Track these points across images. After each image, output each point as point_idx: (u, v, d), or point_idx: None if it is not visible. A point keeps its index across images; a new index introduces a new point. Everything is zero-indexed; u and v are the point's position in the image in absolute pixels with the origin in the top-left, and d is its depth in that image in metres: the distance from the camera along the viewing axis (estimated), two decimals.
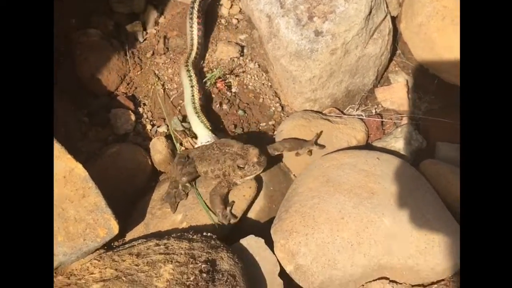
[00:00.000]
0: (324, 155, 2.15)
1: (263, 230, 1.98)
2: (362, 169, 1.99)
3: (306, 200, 1.92)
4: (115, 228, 1.84)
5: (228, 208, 1.96)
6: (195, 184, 2.09)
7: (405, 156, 2.21)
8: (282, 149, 2.12)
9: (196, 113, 2.25)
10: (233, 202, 1.99)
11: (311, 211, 1.88)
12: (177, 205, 2.02)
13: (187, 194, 2.05)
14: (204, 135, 2.18)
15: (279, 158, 2.21)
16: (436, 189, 2.00)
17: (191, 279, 1.61)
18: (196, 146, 2.18)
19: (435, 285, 1.89)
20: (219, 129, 2.32)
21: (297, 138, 2.19)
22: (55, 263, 1.77)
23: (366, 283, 1.89)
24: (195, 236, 1.81)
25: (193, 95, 2.29)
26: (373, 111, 2.46)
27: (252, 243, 1.87)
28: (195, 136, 2.26)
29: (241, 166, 1.91)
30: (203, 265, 1.65)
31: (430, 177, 2.04)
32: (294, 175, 2.24)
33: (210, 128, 2.20)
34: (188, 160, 2.07)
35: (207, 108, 2.36)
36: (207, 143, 2.12)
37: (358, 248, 1.81)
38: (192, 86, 2.31)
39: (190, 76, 2.34)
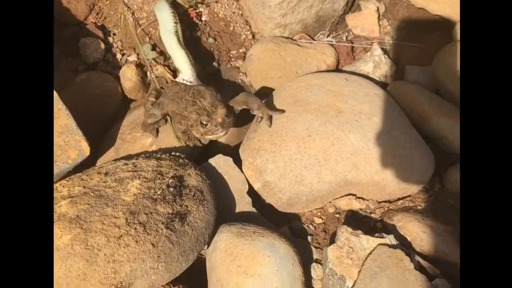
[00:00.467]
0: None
1: (233, 153, 1.99)
2: (330, 89, 2.00)
3: (274, 119, 1.93)
4: (86, 149, 1.84)
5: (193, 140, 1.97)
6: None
7: (374, 79, 2.22)
8: (242, 104, 2.00)
9: (183, 49, 2.21)
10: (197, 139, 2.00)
11: (279, 130, 1.89)
12: (157, 130, 2.02)
13: (166, 120, 2.04)
14: (187, 72, 2.14)
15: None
16: (402, 108, 2.02)
17: (158, 193, 1.62)
18: (177, 79, 2.14)
19: (401, 201, 1.92)
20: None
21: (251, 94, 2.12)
22: None
23: (334, 199, 1.91)
24: (163, 156, 1.81)
25: (177, 31, 2.25)
26: (344, 37, 2.46)
27: (220, 162, 1.89)
28: (177, 71, 2.22)
29: (203, 123, 1.85)
30: (170, 180, 1.66)
31: (397, 97, 2.06)
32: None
33: (193, 64, 2.16)
34: (159, 100, 2.05)
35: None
36: (188, 83, 2.09)
37: (325, 164, 1.83)
38: (175, 23, 2.27)
39: (173, 13, 2.28)
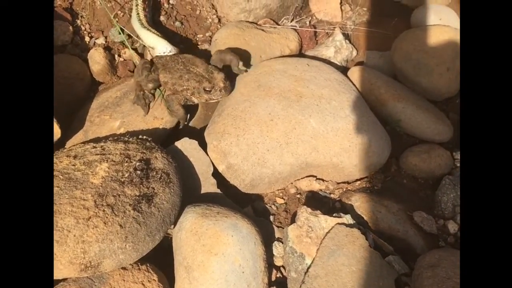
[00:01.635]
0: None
1: (199, 136, 2.04)
2: (292, 74, 2.06)
3: (238, 104, 1.99)
4: (57, 131, 1.86)
5: (183, 110, 2.02)
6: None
7: (335, 63, 2.28)
8: (220, 62, 2.10)
9: (144, 27, 2.24)
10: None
11: (242, 114, 1.95)
12: (148, 106, 2.07)
13: (154, 95, 2.08)
14: (160, 44, 2.17)
15: None
16: (361, 92, 2.10)
17: (126, 176, 1.67)
18: (156, 55, 2.17)
19: (359, 182, 2.00)
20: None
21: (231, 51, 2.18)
22: None
23: (295, 180, 1.99)
24: (131, 139, 1.86)
25: (138, 13, 2.29)
26: (307, 22, 2.51)
27: (186, 145, 1.94)
28: (151, 49, 2.25)
29: (207, 89, 1.93)
30: (137, 163, 1.72)
31: (356, 82, 2.14)
32: None
33: (164, 38, 2.19)
34: (153, 67, 2.08)
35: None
36: (170, 53, 2.12)
37: (286, 147, 1.90)
38: (137, 5, 2.30)
39: None
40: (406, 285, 1.72)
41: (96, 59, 2.26)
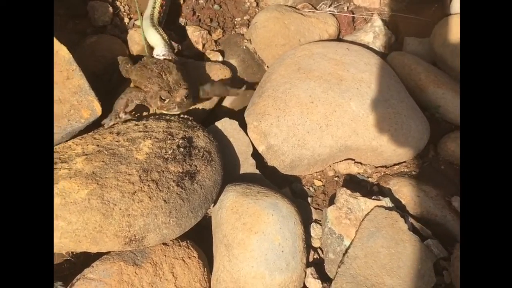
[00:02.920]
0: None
1: (237, 117, 2.04)
2: (332, 58, 2.06)
3: (278, 85, 1.99)
4: (98, 109, 1.88)
5: (124, 115, 1.90)
6: None
7: (374, 49, 2.28)
8: (211, 93, 2.02)
9: (153, 26, 2.23)
10: (134, 113, 1.98)
11: (283, 96, 1.95)
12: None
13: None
14: (160, 47, 2.15)
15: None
16: (400, 77, 2.09)
17: (169, 152, 1.69)
18: (151, 56, 2.15)
19: (397, 166, 2.00)
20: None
21: (225, 83, 2.09)
22: None
23: (334, 163, 1.99)
24: (172, 118, 1.87)
25: (153, 9, 2.29)
26: (345, 7, 2.51)
27: (226, 125, 1.95)
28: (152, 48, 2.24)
29: (162, 98, 1.85)
30: (180, 141, 1.73)
31: (395, 67, 2.13)
32: (267, 66, 2.30)
33: (166, 42, 2.18)
34: (129, 65, 2.03)
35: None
36: (162, 56, 2.10)
37: (326, 129, 1.90)
38: (154, 2, 2.30)
39: None
40: (445, 269, 1.72)
41: (136, 40, 2.27)
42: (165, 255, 1.65)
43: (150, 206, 1.54)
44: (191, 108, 2.01)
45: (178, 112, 1.87)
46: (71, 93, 1.83)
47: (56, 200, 1.52)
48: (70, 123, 1.83)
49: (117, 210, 1.52)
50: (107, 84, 2.18)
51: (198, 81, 1.99)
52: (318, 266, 1.77)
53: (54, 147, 1.80)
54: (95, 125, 1.92)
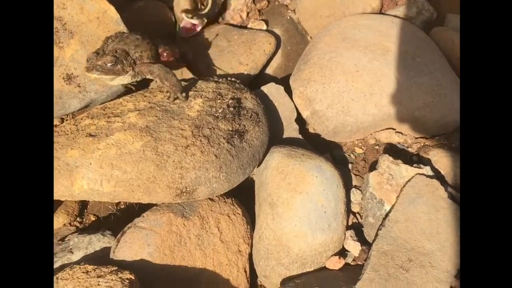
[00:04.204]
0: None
1: (281, 83, 2.06)
2: (377, 29, 2.07)
3: (324, 54, 2.01)
4: None
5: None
6: None
7: (416, 24, 2.28)
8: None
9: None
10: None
11: (328, 63, 1.97)
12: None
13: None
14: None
15: None
16: (443, 51, 2.10)
17: (219, 111, 1.71)
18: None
19: (437, 138, 2.01)
20: None
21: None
22: (87, 100, 1.86)
23: (375, 132, 2.01)
24: (220, 80, 1.90)
25: None
26: None
27: (272, 90, 1.97)
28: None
29: (88, 56, 1.69)
30: (230, 101, 1.75)
31: (438, 42, 2.13)
32: (310, 37, 2.31)
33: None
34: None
35: None
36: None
37: (370, 98, 1.92)
38: None
39: None
40: None
41: (181, 6, 2.29)
42: (211, 210, 1.68)
43: (202, 160, 1.57)
44: (219, 72, 2.02)
45: (92, 76, 1.70)
46: None
47: (112, 151, 1.56)
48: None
49: (171, 162, 1.55)
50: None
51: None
52: (356, 230, 1.80)
53: (106, 103, 1.83)
54: (144, 85, 1.95)
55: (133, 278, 1.46)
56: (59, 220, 1.85)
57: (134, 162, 1.54)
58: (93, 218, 1.90)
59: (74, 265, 1.52)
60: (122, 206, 1.91)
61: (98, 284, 1.46)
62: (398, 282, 1.57)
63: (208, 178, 1.58)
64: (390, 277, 1.58)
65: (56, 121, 1.95)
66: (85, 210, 1.91)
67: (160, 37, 1.99)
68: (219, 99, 1.76)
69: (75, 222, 1.87)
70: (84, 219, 1.89)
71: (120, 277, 1.46)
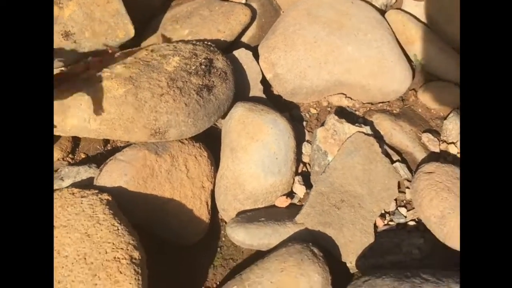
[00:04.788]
0: None
1: (252, 50, 2.34)
2: (338, 8, 2.34)
3: (289, 26, 2.29)
4: (131, 31, 2.18)
5: None
6: None
7: (375, 6, 2.55)
8: None
9: None
10: None
11: (292, 35, 2.25)
12: None
13: None
14: None
15: None
16: (394, 31, 2.37)
17: (193, 68, 2.00)
18: None
19: (381, 104, 2.30)
20: None
21: None
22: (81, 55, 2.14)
23: (328, 96, 2.29)
24: (198, 43, 2.18)
25: None
26: None
27: (242, 54, 2.25)
28: None
29: None
30: (202, 60, 2.04)
31: (391, 22, 2.40)
32: (282, 11, 2.59)
33: None
34: None
35: None
36: None
37: (324, 66, 2.20)
38: None
39: None
40: (407, 187, 2.03)
41: None
42: (181, 151, 1.97)
43: (174, 107, 1.86)
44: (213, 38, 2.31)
45: None
46: (110, 16, 2.13)
47: (99, 95, 1.85)
48: (106, 41, 2.13)
49: (147, 106, 1.83)
50: (142, 13, 2.46)
51: None
52: (305, 177, 2.09)
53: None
54: (131, 45, 2.23)
55: (110, 199, 1.76)
56: (54, 155, 2.14)
57: (117, 105, 1.82)
58: (83, 156, 2.18)
59: (63, 188, 1.82)
60: (109, 148, 2.20)
61: (81, 203, 1.75)
62: (330, 216, 1.87)
63: (178, 122, 1.86)
64: (324, 212, 1.88)
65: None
66: (77, 149, 2.20)
67: None
68: (194, 58, 2.04)
69: (67, 158, 2.16)
70: (75, 156, 2.18)
71: (99, 198, 1.76)
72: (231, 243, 2.02)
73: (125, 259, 1.59)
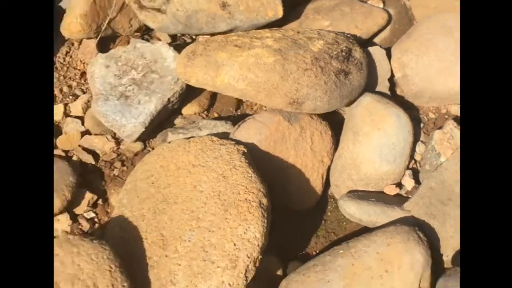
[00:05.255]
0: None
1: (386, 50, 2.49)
2: None
3: (424, 34, 2.41)
4: (280, 12, 2.35)
5: None
6: None
7: None
8: None
9: None
10: None
11: (425, 41, 2.37)
12: None
13: None
14: None
15: None
16: None
17: (335, 53, 2.16)
18: None
19: None
20: None
21: None
22: (232, 26, 2.34)
23: (449, 104, 2.41)
24: (339, 33, 2.35)
25: None
26: None
27: (376, 51, 2.40)
28: None
29: None
30: (344, 47, 2.20)
31: None
32: (415, 22, 2.72)
33: None
34: None
35: None
36: None
37: (451, 75, 2.31)
38: None
39: None
40: None
41: None
42: (310, 124, 2.14)
43: (314, 82, 2.03)
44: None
45: None
46: None
47: (251, 59, 2.03)
48: (257, 17, 2.32)
49: (292, 77, 2.01)
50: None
51: None
52: (414, 173, 2.21)
53: (247, 32, 2.31)
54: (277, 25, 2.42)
55: (246, 151, 1.95)
56: (192, 109, 2.36)
57: (265, 70, 2.01)
58: (216, 115, 2.39)
59: (204, 136, 2.03)
60: (239, 112, 2.41)
61: (220, 149, 1.95)
62: (436, 210, 2.00)
63: (315, 97, 2.04)
64: (431, 205, 2.01)
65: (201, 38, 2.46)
66: (211, 108, 2.41)
67: None
68: (336, 44, 2.21)
69: (202, 114, 2.38)
70: (209, 114, 2.39)
71: (237, 148, 1.95)
72: (335, 219, 2.18)
73: (255, 202, 1.77)
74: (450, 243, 1.96)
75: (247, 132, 2.04)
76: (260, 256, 1.71)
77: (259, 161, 1.99)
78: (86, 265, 1.64)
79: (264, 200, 1.78)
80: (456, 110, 2.38)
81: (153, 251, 1.77)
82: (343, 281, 1.75)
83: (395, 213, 1.99)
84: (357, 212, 1.99)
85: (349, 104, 2.21)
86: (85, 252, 1.67)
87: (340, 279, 1.76)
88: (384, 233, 1.84)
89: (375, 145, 2.08)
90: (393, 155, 2.09)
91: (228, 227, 1.72)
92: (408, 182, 2.16)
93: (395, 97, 2.37)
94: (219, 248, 1.69)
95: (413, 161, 2.23)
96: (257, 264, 1.70)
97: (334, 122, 2.27)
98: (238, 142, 1.99)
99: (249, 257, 1.67)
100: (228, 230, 1.71)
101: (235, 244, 1.69)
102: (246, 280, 1.67)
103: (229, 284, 1.65)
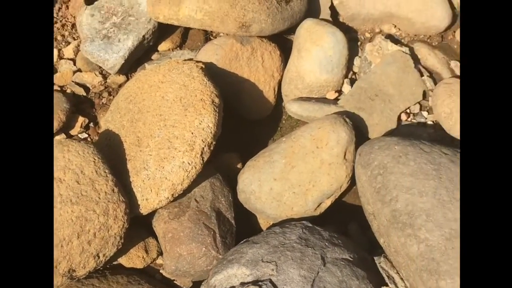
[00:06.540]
0: None
1: None
2: None
3: None
4: None
5: None
6: None
7: None
8: None
9: None
10: None
11: None
12: None
13: None
14: None
15: None
16: None
17: None
18: None
19: (422, 36, 2.70)
20: None
21: None
22: None
23: (381, 24, 2.72)
24: None
25: None
26: None
27: None
28: None
29: None
30: None
31: None
32: None
33: None
34: None
35: None
36: None
37: None
38: None
39: None
40: (429, 95, 2.45)
41: None
42: (260, 46, 2.46)
43: (258, 8, 2.33)
44: None
45: None
46: None
47: None
48: None
49: (239, 5, 2.31)
50: None
51: None
52: (352, 81, 2.53)
53: None
54: None
55: (203, 66, 2.28)
56: (166, 45, 2.70)
57: (217, 1, 2.30)
58: (187, 50, 2.74)
59: (169, 60, 2.37)
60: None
61: (183, 67, 2.28)
62: (364, 104, 2.33)
63: (260, 20, 2.35)
64: (360, 101, 2.33)
65: None
66: (183, 44, 2.76)
67: None
68: None
69: (176, 49, 2.72)
70: (181, 50, 2.74)
71: (196, 64, 2.29)
72: (289, 125, 2.52)
73: (209, 101, 2.11)
74: (376, 129, 2.29)
75: (206, 53, 2.38)
76: (213, 142, 2.05)
77: (217, 76, 2.31)
78: (74, 158, 1.99)
79: (216, 100, 2.12)
80: (387, 28, 2.68)
81: (131, 149, 2.12)
82: (285, 159, 2.10)
83: (330, 108, 2.32)
84: (298, 109, 2.33)
85: (293, 27, 2.52)
86: (74, 149, 2.02)
87: (282, 158, 2.11)
88: (317, 121, 2.18)
89: (315, 58, 2.39)
90: (331, 65, 2.41)
91: (187, 121, 2.06)
92: (347, 88, 2.48)
93: (336, 22, 2.68)
94: (180, 137, 2.04)
95: (351, 73, 2.55)
96: (211, 148, 2.04)
97: (286, 48, 2.59)
98: (198, 62, 2.33)
99: (204, 142, 2.02)
100: (187, 123, 2.06)
101: (192, 133, 2.03)
102: (203, 160, 2.02)
103: (188, 163, 2.00)
